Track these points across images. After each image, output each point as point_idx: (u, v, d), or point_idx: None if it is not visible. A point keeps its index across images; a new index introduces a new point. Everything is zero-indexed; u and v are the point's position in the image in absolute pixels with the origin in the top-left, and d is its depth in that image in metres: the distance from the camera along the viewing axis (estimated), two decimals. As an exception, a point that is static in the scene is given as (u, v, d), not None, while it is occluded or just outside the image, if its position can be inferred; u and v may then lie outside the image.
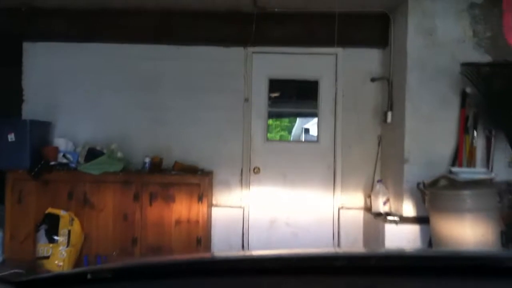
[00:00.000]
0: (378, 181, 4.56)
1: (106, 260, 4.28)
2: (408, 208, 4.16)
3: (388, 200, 4.47)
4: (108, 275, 1.11)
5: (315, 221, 4.91)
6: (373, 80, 4.90)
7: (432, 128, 4.15)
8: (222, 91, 4.93)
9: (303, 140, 5.20)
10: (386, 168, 4.73)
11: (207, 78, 4.92)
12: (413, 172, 4.12)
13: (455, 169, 3.66)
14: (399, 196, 4.28)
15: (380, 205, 4.45)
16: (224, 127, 4.94)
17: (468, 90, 4.05)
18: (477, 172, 3.74)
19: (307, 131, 5.29)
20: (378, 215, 4.41)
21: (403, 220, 4.13)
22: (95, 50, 4.92)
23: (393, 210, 4.42)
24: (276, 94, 5.07)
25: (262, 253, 1.37)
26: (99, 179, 4.37)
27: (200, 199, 4.41)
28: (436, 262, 1.09)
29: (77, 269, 1.21)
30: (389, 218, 4.17)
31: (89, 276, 1.09)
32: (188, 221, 4.40)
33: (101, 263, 4.22)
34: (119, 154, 4.50)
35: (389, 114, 4.56)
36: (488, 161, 4.09)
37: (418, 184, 3.77)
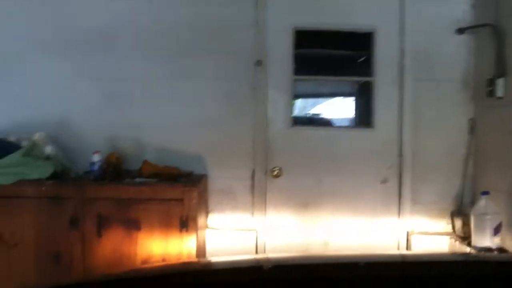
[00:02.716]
0: (482, 194, 2.73)
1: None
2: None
3: (500, 226, 2.66)
4: None
5: (370, 252, 3.11)
6: (461, 31, 3.09)
7: None
8: (220, 51, 3.13)
9: (351, 125, 3.35)
10: (490, 173, 2.90)
11: (195, 32, 3.11)
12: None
13: None
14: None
15: (488, 235, 2.64)
16: (224, 106, 3.14)
17: None
18: None
19: (316, 116, 3.50)
20: (486, 251, 2.61)
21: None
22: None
23: (510, 244, 2.61)
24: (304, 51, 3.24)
25: None
26: (11, 192, 2.57)
27: (184, 224, 2.60)
28: None
29: None
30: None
31: None
32: (164, 261, 2.61)
33: None
34: (48, 150, 2.68)
35: (499, 83, 2.74)
36: None
37: None
